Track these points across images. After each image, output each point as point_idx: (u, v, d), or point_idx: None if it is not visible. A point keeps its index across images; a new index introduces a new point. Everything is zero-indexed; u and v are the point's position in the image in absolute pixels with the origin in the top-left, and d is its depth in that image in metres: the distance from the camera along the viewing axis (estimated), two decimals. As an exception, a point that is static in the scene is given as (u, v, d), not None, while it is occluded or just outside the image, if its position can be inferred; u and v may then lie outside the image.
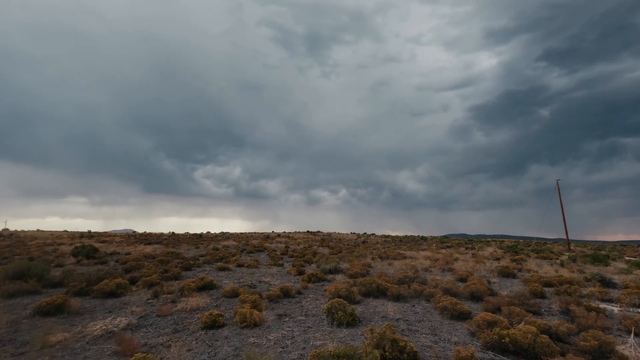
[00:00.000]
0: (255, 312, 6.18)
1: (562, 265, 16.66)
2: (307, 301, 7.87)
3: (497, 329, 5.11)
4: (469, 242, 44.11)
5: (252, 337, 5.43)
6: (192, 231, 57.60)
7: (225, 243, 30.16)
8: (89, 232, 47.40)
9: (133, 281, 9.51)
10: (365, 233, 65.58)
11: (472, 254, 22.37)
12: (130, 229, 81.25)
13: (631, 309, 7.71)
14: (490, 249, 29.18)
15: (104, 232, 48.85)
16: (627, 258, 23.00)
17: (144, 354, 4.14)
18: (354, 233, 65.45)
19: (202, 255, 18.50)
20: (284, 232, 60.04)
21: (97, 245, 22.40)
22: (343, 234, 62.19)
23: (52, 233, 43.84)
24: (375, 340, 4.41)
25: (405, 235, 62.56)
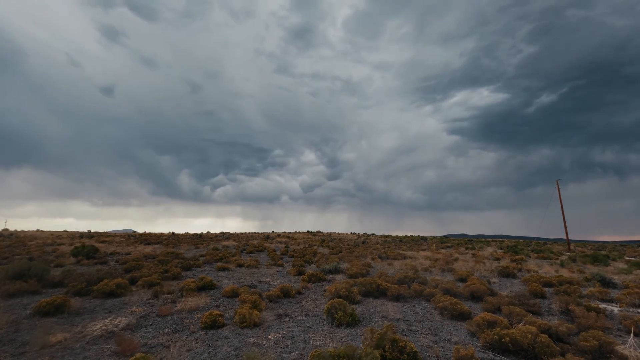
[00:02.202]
0: (255, 312, 6.18)
1: (562, 265, 16.66)
2: (307, 301, 7.87)
3: (497, 329, 5.11)
4: (469, 242, 44.10)
5: (252, 337, 5.43)
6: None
7: (225, 243, 30.15)
8: (89, 232, 47.41)
9: (133, 281, 9.50)
10: (365, 233, 65.55)
11: (472, 254, 22.37)
12: (131, 229, 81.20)
13: (631, 309, 7.71)
14: (490, 249, 29.17)
15: (104, 232, 48.85)
16: (627, 258, 23.01)
17: (144, 354, 4.14)
18: (353, 233, 65.42)
19: (202, 255, 18.49)
20: (284, 232, 60.02)
21: (97, 245, 22.39)
22: (343, 234, 62.16)
23: (52, 233, 43.83)
24: (375, 340, 4.41)
25: (405, 236, 62.54)
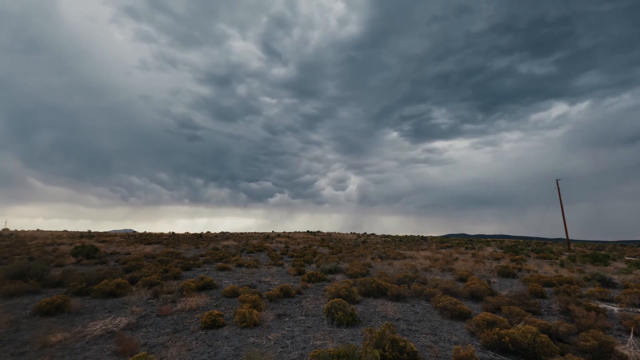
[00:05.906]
0: (255, 312, 6.19)
1: (561, 265, 16.66)
2: (307, 301, 7.87)
3: (496, 329, 5.12)
4: (469, 242, 44.12)
5: (252, 337, 5.43)
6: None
7: (225, 243, 30.16)
8: (89, 231, 47.42)
9: (133, 281, 9.51)
10: (365, 233, 65.58)
11: (472, 254, 22.37)
12: (130, 229, 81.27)
13: (631, 309, 7.71)
14: (490, 249, 29.18)
15: (104, 232, 48.86)
16: (627, 258, 23.01)
17: (144, 354, 4.14)
18: (353, 233, 65.45)
19: (202, 255, 18.49)
20: (284, 232, 60.04)
21: (97, 245, 22.39)
22: (343, 234, 62.18)
23: (52, 233, 43.84)
24: (375, 340, 4.41)
25: (405, 235, 62.57)
